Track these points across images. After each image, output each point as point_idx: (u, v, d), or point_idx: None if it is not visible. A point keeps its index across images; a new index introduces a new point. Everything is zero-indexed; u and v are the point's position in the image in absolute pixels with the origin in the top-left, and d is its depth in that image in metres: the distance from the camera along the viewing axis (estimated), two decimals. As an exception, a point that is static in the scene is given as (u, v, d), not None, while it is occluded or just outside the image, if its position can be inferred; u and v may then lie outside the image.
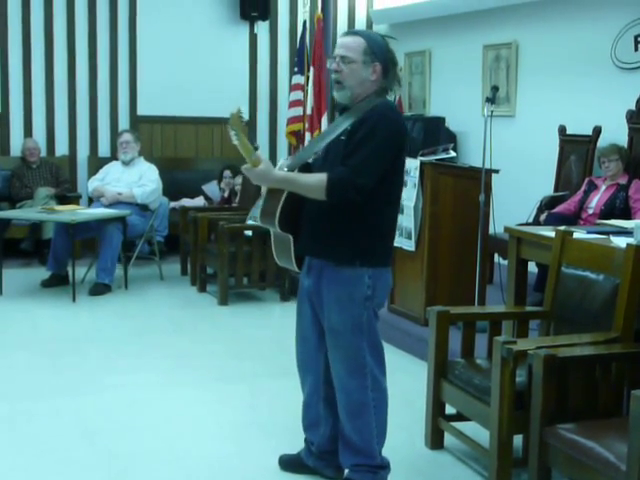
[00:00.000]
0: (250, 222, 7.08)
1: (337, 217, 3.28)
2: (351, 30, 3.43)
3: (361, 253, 3.30)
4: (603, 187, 6.14)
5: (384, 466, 3.52)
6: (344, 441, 3.51)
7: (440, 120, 8.40)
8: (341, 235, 3.30)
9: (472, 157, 7.52)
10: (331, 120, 7.83)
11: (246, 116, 3.31)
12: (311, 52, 8.17)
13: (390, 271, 3.45)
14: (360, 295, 3.33)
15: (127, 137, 7.96)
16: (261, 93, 9.76)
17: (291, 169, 3.34)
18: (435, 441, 4.04)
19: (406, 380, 4.98)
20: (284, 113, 8.86)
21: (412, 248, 5.60)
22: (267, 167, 3.25)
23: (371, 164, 3.19)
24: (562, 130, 7.00)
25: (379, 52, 3.30)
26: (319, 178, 3.21)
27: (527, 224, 6.09)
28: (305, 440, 3.72)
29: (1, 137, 9.01)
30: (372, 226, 3.31)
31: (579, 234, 4.20)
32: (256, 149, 3.28)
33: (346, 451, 3.51)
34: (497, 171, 5.62)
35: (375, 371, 3.43)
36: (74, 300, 6.88)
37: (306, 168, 3.39)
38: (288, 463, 3.75)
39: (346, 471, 3.55)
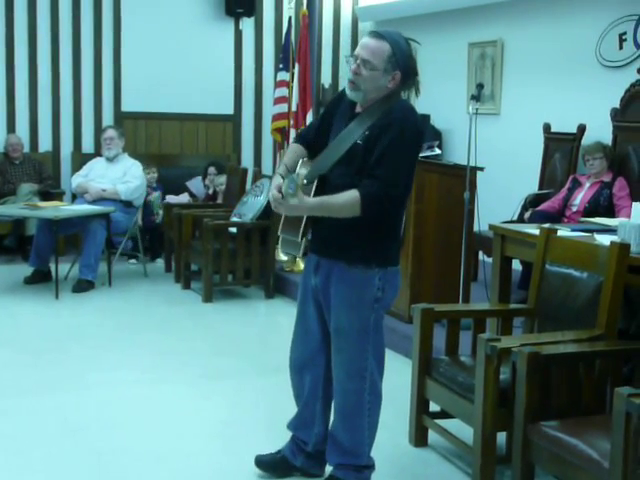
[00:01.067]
0: (235, 219, 7.06)
1: (353, 220, 3.19)
2: (378, 31, 3.27)
3: (375, 255, 3.28)
4: (587, 185, 6.16)
5: (369, 466, 3.52)
6: (333, 440, 3.50)
7: (425, 117, 8.37)
8: (357, 237, 3.25)
9: (457, 155, 7.52)
10: (316, 116, 7.82)
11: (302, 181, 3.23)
12: (296, 49, 8.15)
13: (399, 272, 3.41)
14: (370, 297, 3.30)
15: (111, 133, 7.93)
16: (246, 89, 9.73)
17: (310, 180, 3.26)
18: (419, 438, 4.04)
19: (390, 377, 4.95)
20: (269, 110, 8.83)
21: (397, 245, 5.59)
22: (301, 195, 3.14)
23: (402, 173, 3.16)
24: (547, 128, 7.01)
25: (402, 60, 3.22)
26: (352, 197, 3.13)
27: (511, 222, 6.10)
28: (293, 439, 3.66)
29: (-16, 133, 8.96)
30: (388, 228, 3.29)
31: (563, 232, 4.21)
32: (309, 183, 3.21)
33: (334, 450, 3.50)
34: (482, 169, 5.62)
35: (375, 374, 3.41)
36: (57, 297, 6.85)
37: (322, 177, 3.28)
38: (269, 464, 3.67)
39: (330, 468, 3.55)
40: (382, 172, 3.13)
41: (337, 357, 3.41)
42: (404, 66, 3.24)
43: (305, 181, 3.26)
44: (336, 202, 3.16)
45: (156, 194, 8.52)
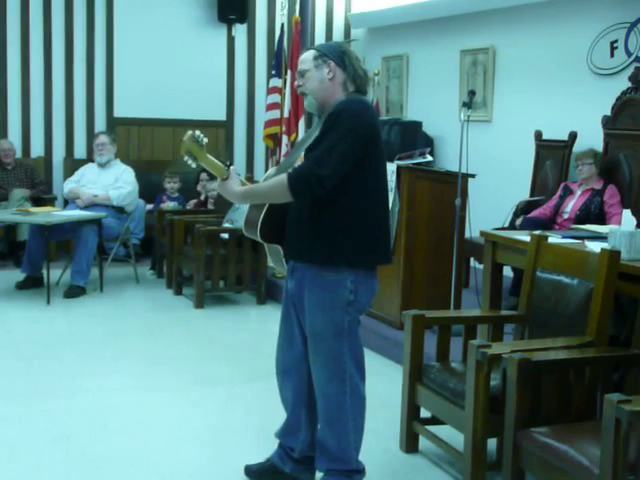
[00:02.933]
0: (226, 225, 7.06)
1: (315, 218, 3.27)
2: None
3: (342, 253, 3.27)
4: (578, 192, 6.17)
5: (359, 470, 3.52)
6: (321, 446, 3.50)
7: (417, 124, 8.41)
8: (320, 236, 3.27)
9: (449, 162, 7.55)
10: (308, 124, 7.83)
11: (204, 139, 3.33)
12: (289, 55, 8.17)
13: (376, 276, 3.42)
14: (342, 300, 3.32)
15: (103, 139, 7.93)
16: (238, 96, 9.75)
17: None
18: (410, 445, 4.04)
19: (381, 383, 4.98)
20: (261, 116, 8.85)
21: (388, 252, 5.60)
22: (230, 183, 3.34)
23: (332, 154, 3.15)
24: (538, 135, 7.03)
25: (329, 51, 3.37)
26: (279, 179, 3.23)
27: (503, 228, 6.11)
28: (281, 446, 3.67)
29: (-24, 138, 8.94)
30: (350, 224, 3.27)
31: (554, 239, 4.22)
32: (227, 166, 3.33)
33: (323, 456, 3.50)
34: (473, 176, 5.64)
35: (355, 377, 3.42)
36: (49, 302, 6.84)
37: None
38: (259, 473, 3.67)
39: (320, 475, 3.55)
40: (314, 154, 3.21)
41: (315, 361, 3.42)
42: (334, 54, 3.36)
43: None
44: (264, 186, 3.33)
45: (171, 204, 8.43)
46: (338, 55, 3.36)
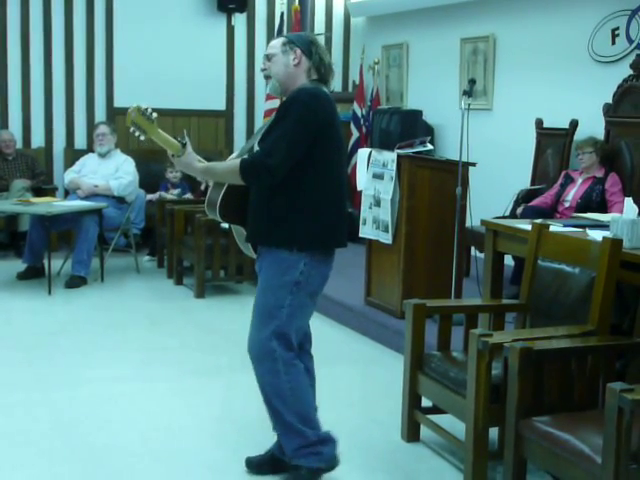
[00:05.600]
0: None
1: (272, 201, 3.36)
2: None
3: (296, 238, 3.36)
4: (580, 180, 6.16)
5: (323, 440, 3.49)
6: (276, 430, 3.51)
7: (417, 113, 8.39)
8: (276, 219, 3.36)
9: (449, 150, 7.53)
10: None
11: (154, 114, 3.39)
12: (289, 44, 8.14)
13: (329, 261, 3.49)
14: (290, 278, 3.38)
15: (103, 129, 7.92)
16: (238, 85, 9.72)
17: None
18: (411, 434, 4.04)
19: (382, 373, 4.99)
20: (261, 105, 8.83)
21: (389, 241, 5.60)
22: (189, 159, 3.45)
23: (280, 145, 3.26)
24: (539, 123, 7.01)
25: (298, 40, 3.49)
26: (234, 163, 3.35)
27: (504, 217, 6.11)
28: (278, 436, 3.64)
29: (-24, 129, 8.93)
30: (305, 208, 3.36)
31: (555, 227, 4.22)
32: (183, 145, 3.41)
33: (281, 439, 3.51)
34: (474, 164, 5.63)
35: (285, 356, 3.42)
36: (50, 293, 6.84)
37: None
38: (260, 463, 3.67)
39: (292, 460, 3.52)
40: (264, 144, 3.32)
41: (250, 335, 3.50)
42: (302, 42, 3.47)
43: None
44: (220, 167, 3.47)
45: (176, 191, 8.49)
46: (306, 44, 3.47)
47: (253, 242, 3.53)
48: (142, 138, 3.41)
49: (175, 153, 3.43)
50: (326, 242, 3.45)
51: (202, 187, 8.33)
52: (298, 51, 3.44)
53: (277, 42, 3.51)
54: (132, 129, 3.37)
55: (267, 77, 3.52)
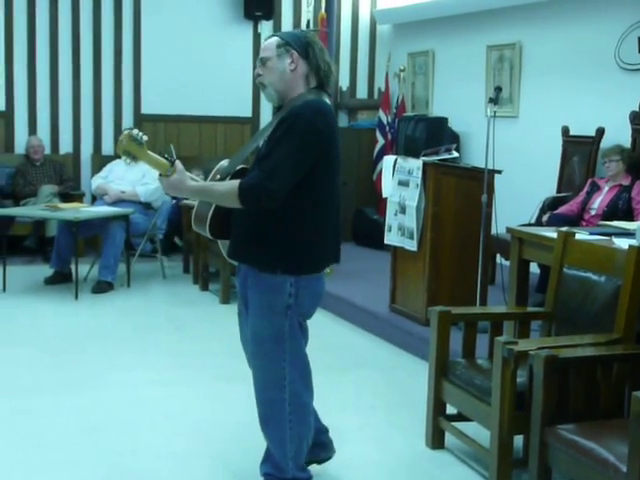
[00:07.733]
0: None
1: (259, 221, 3.16)
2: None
3: (282, 259, 3.17)
4: (606, 188, 6.14)
5: None
6: (267, 449, 3.42)
7: (443, 120, 8.40)
8: (262, 240, 3.18)
9: (475, 158, 7.52)
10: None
11: (144, 136, 3.25)
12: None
13: (320, 279, 3.30)
14: (281, 303, 3.21)
15: (130, 136, 7.96)
16: (264, 92, 9.75)
17: (224, 175, 3.26)
18: (436, 441, 4.04)
19: (407, 379, 4.99)
20: (287, 112, 8.84)
21: (414, 248, 5.61)
22: (180, 177, 3.16)
23: (283, 168, 3.05)
24: (565, 131, 7.00)
25: (293, 40, 3.24)
26: (232, 186, 3.10)
27: (529, 225, 6.09)
28: None
29: (5, 135, 9.03)
30: (294, 231, 3.16)
31: (581, 235, 4.20)
32: (172, 163, 3.21)
33: (267, 459, 3.42)
34: (500, 172, 5.62)
35: (296, 384, 3.30)
36: (77, 297, 6.89)
37: (242, 173, 3.24)
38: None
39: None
40: (265, 165, 3.07)
41: (255, 363, 3.36)
42: (297, 43, 3.23)
43: (218, 176, 3.29)
44: (217, 189, 3.17)
45: None
46: (302, 45, 3.23)
47: (233, 259, 3.36)
48: (133, 164, 3.30)
49: (163, 173, 3.21)
50: (314, 265, 3.25)
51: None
52: (294, 54, 3.20)
53: (271, 44, 3.24)
54: (124, 158, 3.25)
55: (261, 84, 3.26)
